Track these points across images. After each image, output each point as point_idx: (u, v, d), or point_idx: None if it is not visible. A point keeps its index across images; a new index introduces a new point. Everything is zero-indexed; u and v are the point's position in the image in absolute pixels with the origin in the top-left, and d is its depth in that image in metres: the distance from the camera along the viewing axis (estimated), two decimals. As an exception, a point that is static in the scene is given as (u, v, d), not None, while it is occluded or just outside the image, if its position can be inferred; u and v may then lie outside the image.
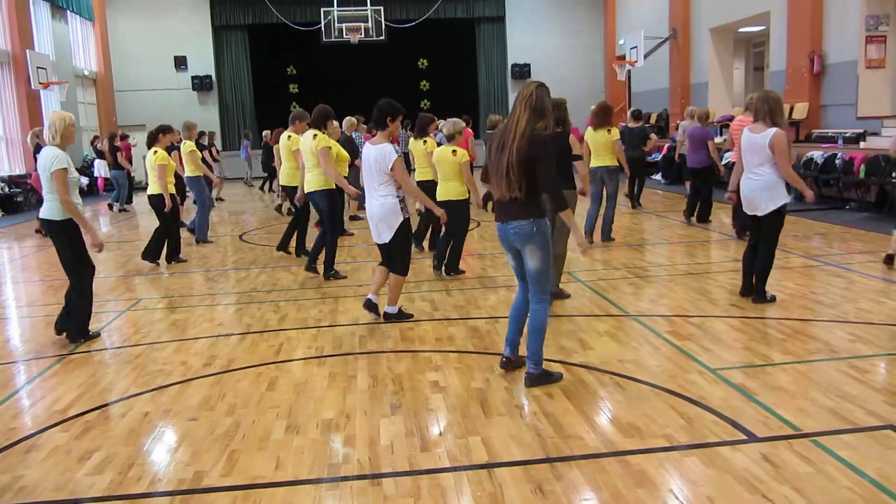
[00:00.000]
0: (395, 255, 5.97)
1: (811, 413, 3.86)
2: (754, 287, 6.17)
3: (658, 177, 17.67)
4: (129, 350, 5.66)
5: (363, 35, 21.70)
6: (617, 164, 9.33)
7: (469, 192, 7.61)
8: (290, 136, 9.02)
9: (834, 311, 5.84)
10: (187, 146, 10.38)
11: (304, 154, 7.70)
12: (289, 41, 23.89)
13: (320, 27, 21.94)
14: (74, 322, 5.86)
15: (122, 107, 23.58)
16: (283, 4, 23.18)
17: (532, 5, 24.77)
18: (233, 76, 24.59)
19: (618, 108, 21.96)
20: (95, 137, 19.98)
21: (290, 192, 9.27)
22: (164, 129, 9.43)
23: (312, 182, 7.70)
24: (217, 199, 17.13)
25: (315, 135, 7.54)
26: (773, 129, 5.77)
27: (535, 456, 3.52)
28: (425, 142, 8.63)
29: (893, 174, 10.75)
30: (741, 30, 18.69)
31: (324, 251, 7.89)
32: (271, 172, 18.89)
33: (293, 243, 9.31)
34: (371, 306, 6.16)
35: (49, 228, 5.74)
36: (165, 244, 9.23)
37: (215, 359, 5.32)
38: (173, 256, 9.32)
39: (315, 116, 7.67)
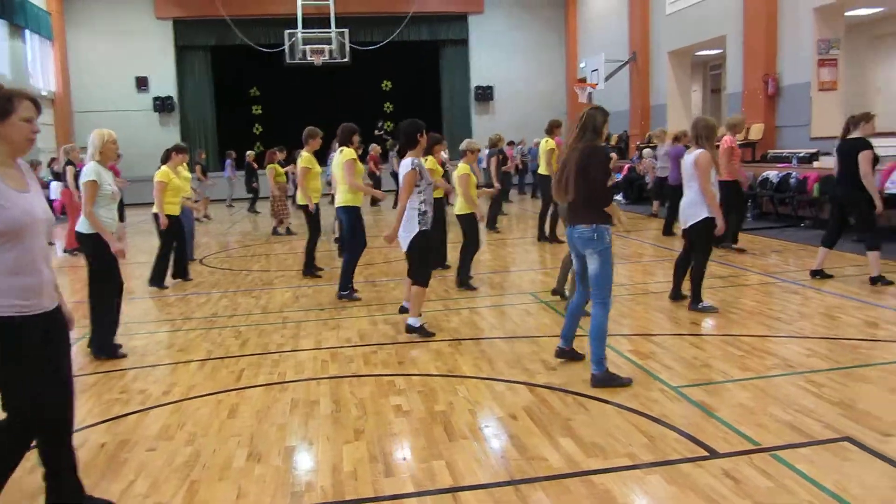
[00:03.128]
0: (412, 266, 6.25)
1: (770, 428, 3.91)
2: (689, 295, 6.64)
3: (619, 197, 17.90)
4: (83, 379, 5.52)
5: (327, 57, 21.71)
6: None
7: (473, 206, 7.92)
8: (301, 156, 9.12)
9: (790, 326, 5.95)
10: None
11: (334, 171, 8.00)
12: (252, 62, 23.81)
13: (284, 49, 21.92)
14: (91, 338, 5.95)
15: (80, 128, 23.19)
16: (246, 26, 23.12)
17: (495, 28, 25.06)
18: (195, 97, 24.41)
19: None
20: (53, 159, 19.63)
21: (305, 211, 9.20)
22: (179, 149, 9.27)
23: (339, 198, 7.86)
24: (204, 217, 17.12)
25: (342, 150, 7.79)
26: (700, 150, 6.35)
27: (500, 479, 3.51)
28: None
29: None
30: (698, 53, 19.13)
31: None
32: (255, 193, 18.99)
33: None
34: (405, 310, 6.55)
35: (78, 241, 5.97)
36: (170, 265, 9.13)
37: (174, 386, 5.23)
38: (180, 275, 9.26)
39: (343, 133, 7.89)
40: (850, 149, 7.25)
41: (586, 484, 3.40)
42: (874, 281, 7.32)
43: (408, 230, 6.08)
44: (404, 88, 25.83)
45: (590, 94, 20.52)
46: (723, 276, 8.07)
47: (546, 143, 11.59)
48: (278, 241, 13.44)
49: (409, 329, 6.27)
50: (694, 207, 6.44)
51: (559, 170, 4.94)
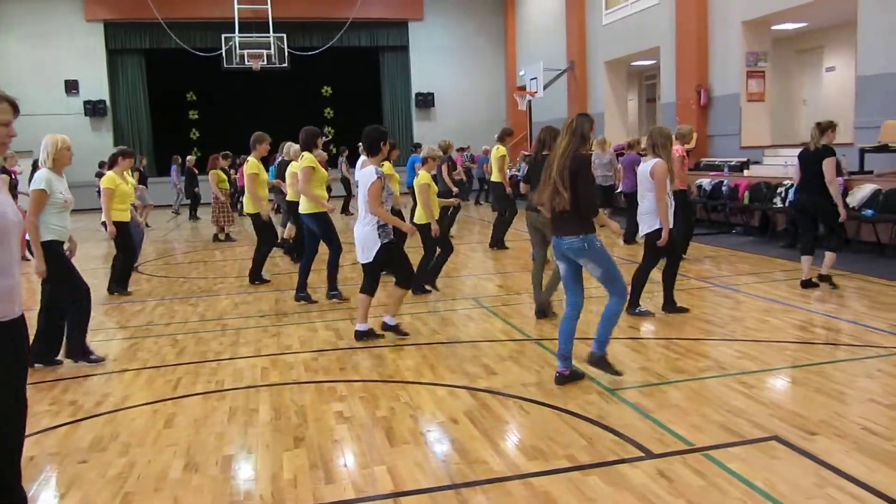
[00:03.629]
0: (393, 269, 6.33)
1: (703, 428, 4.02)
2: (631, 298, 6.65)
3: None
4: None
5: (266, 62, 21.49)
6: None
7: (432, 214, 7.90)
8: (248, 161, 8.85)
9: (723, 329, 6.14)
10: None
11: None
12: (188, 67, 23.36)
13: (221, 53, 21.59)
14: (40, 343, 5.77)
15: (7, 133, 22.38)
16: (182, 29, 22.68)
17: (435, 36, 25.18)
18: (129, 101, 23.82)
19: (519, 137, 22.55)
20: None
21: (255, 219, 8.99)
22: (125, 154, 8.65)
23: (304, 206, 7.72)
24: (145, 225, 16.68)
25: (303, 155, 7.69)
26: (657, 160, 6.37)
27: (441, 483, 3.52)
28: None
29: (774, 200, 11.43)
30: (634, 63, 19.59)
31: (304, 273, 8.00)
32: (194, 199, 18.66)
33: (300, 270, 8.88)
34: (361, 335, 6.25)
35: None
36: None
37: (108, 396, 5.09)
38: (119, 286, 8.85)
39: (306, 137, 7.73)
40: (815, 157, 7.39)
41: (526, 486, 3.44)
42: (823, 278, 7.61)
43: (369, 246, 6.00)
44: (345, 94, 25.73)
45: (529, 101, 20.82)
46: (660, 282, 8.25)
47: (497, 151, 11.72)
48: (218, 248, 13.21)
49: (385, 327, 6.31)
50: (649, 215, 6.49)
51: (543, 178, 4.86)
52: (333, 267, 7.90)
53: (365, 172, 5.98)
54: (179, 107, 24.89)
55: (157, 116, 24.38)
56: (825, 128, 7.51)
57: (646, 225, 6.57)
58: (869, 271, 8.33)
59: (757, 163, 13.49)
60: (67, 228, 5.76)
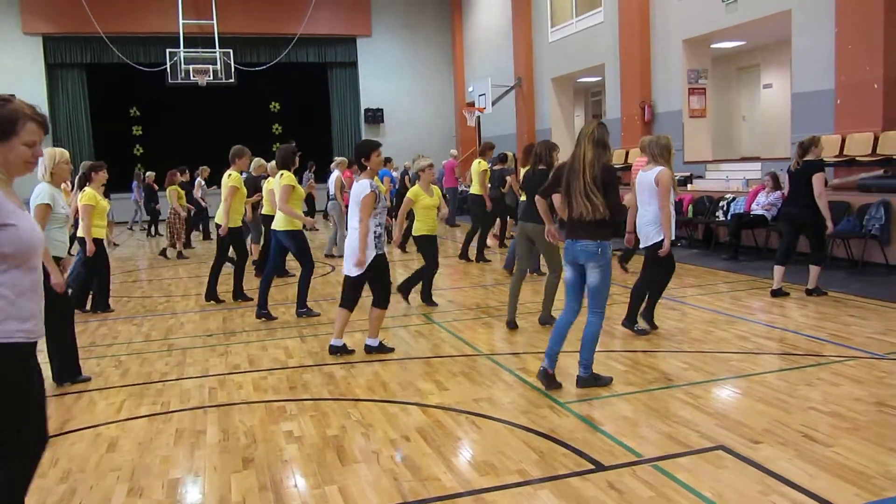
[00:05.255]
0: (373, 290, 6.19)
1: (651, 439, 4.09)
2: (627, 313, 6.66)
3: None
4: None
5: (211, 77, 21.23)
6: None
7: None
8: (230, 174, 8.66)
9: (669, 341, 6.25)
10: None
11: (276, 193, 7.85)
12: (132, 82, 22.91)
13: (166, 68, 21.25)
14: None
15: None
16: (125, 44, 22.25)
17: (383, 52, 25.22)
18: (69, 117, 23.22)
19: (468, 153, 22.71)
20: None
21: (234, 233, 8.79)
22: (98, 167, 8.06)
23: (280, 222, 7.74)
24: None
25: (282, 174, 7.75)
26: (660, 168, 6.32)
27: (393, 501, 3.50)
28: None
29: (717, 213, 11.72)
30: (580, 80, 19.92)
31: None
32: (154, 215, 18.35)
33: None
34: (335, 350, 6.23)
35: None
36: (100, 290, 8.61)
37: (48, 420, 4.91)
38: (99, 305, 8.61)
39: (284, 156, 7.87)
40: (804, 172, 7.53)
41: (478, 502, 3.44)
42: (810, 293, 7.83)
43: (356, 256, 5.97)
44: (293, 110, 25.55)
45: (478, 117, 20.99)
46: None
47: (479, 165, 12.08)
48: (165, 266, 12.93)
49: (368, 349, 6.25)
50: (653, 227, 6.37)
51: (564, 185, 5.00)
52: (305, 285, 7.89)
53: (359, 185, 5.96)
54: (123, 123, 24.37)
55: (100, 132, 23.81)
56: (808, 145, 7.65)
57: (648, 237, 6.43)
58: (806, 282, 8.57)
59: (700, 177, 13.84)
60: (67, 244, 5.64)
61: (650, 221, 6.39)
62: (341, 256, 13.00)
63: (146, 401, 5.27)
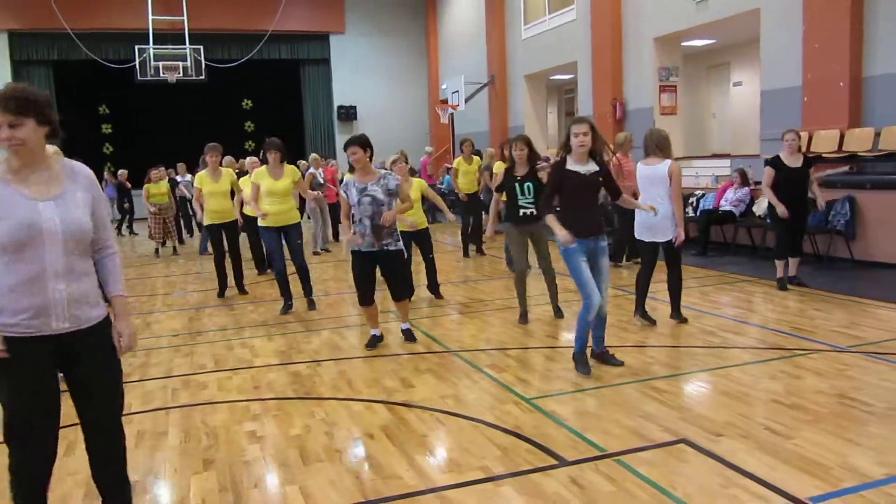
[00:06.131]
0: (398, 280, 6.33)
1: (615, 434, 4.09)
2: (672, 307, 6.73)
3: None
4: None
5: (182, 74, 20.96)
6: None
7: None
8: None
9: (636, 336, 6.27)
10: None
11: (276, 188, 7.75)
12: (100, 79, 22.56)
13: (135, 65, 20.96)
14: None
15: None
16: (92, 40, 21.88)
17: (357, 49, 25.08)
18: (36, 115, 22.80)
19: (442, 150, 22.68)
20: None
21: (213, 230, 8.88)
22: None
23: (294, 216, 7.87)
24: None
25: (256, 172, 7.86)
26: (669, 161, 6.33)
27: (354, 500, 3.47)
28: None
29: (686, 210, 11.80)
30: (553, 77, 19.95)
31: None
32: (127, 214, 18.46)
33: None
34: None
35: None
36: None
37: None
38: None
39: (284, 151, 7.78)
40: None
41: (440, 499, 3.42)
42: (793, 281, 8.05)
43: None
44: (265, 107, 25.31)
45: (451, 114, 20.95)
46: (575, 290, 8.37)
47: (475, 163, 12.28)
48: (131, 266, 12.75)
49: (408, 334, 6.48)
50: (672, 218, 6.33)
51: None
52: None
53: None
54: (92, 121, 24.01)
55: (68, 130, 23.24)
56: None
57: (665, 231, 6.39)
58: (773, 276, 8.63)
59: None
60: None
61: (666, 214, 6.30)
62: (326, 251, 13.05)
63: (107, 402, 5.17)
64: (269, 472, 3.85)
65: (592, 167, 5.22)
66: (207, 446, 4.25)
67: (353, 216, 6.05)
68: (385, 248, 6.07)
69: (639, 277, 6.76)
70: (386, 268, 6.20)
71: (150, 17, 20.93)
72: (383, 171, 6.12)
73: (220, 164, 9.06)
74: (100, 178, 19.66)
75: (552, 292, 7.17)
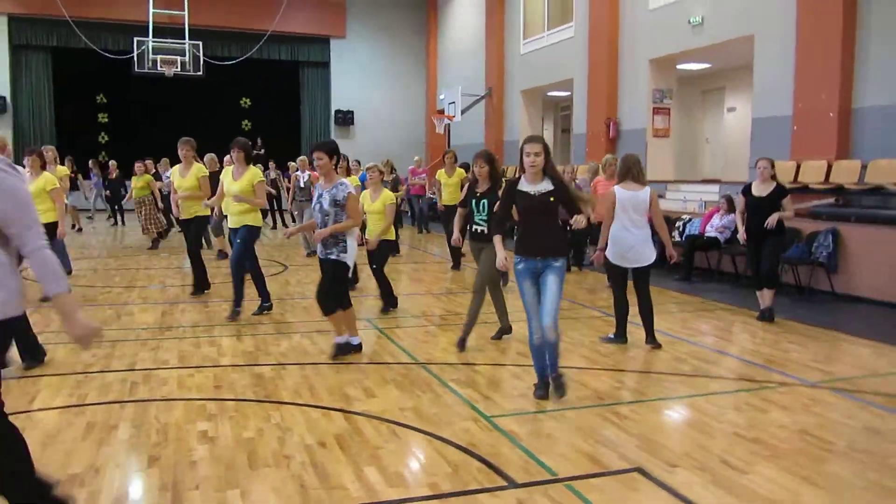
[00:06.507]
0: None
1: (570, 458, 4.02)
2: (646, 333, 6.66)
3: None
4: None
5: (179, 69, 20.92)
6: None
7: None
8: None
9: (607, 359, 6.21)
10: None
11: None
12: (99, 68, 22.52)
13: (133, 57, 20.91)
14: None
15: None
16: (91, 29, 21.84)
17: (357, 54, 25.09)
18: (32, 100, 22.73)
19: (437, 160, 22.63)
20: None
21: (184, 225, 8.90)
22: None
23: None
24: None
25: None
26: (648, 187, 6.54)
27: (295, 509, 3.39)
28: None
29: (672, 234, 11.77)
30: (550, 94, 19.98)
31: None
32: (117, 204, 18.69)
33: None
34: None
35: None
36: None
37: (-46, 409, 4.72)
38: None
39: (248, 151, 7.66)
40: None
41: (383, 514, 3.35)
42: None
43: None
44: (263, 107, 25.31)
45: (447, 125, 20.94)
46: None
47: (459, 174, 12.14)
48: (114, 256, 12.65)
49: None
50: (651, 244, 6.58)
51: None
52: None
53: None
54: (88, 109, 23.94)
55: (63, 117, 23.34)
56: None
57: (646, 258, 6.59)
58: (756, 307, 8.55)
59: (661, 197, 13.88)
60: None
61: (645, 241, 6.51)
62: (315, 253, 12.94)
63: (62, 392, 5.10)
64: (214, 474, 3.76)
65: (545, 187, 5.00)
66: (156, 443, 4.17)
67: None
68: (327, 256, 6.01)
69: (618, 302, 6.76)
70: (323, 275, 6.13)
71: (151, 9, 20.91)
72: (340, 181, 6.00)
73: (197, 160, 8.88)
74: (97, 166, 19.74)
75: (471, 312, 6.67)
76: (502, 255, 5.05)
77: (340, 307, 6.09)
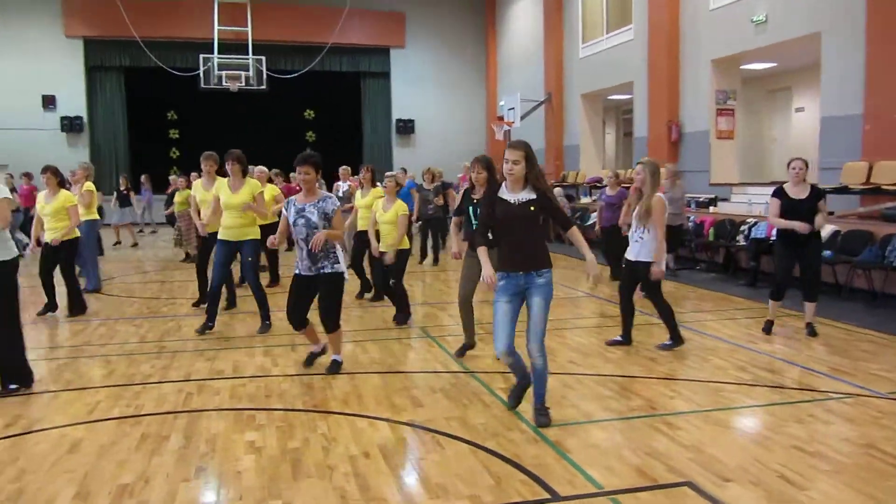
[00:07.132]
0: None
1: (616, 470, 3.90)
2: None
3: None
4: (-78, 409, 5.15)
5: (244, 83, 21.45)
6: None
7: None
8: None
9: (663, 368, 6.03)
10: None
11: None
12: (169, 86, 23.28)
13: (199, 73, 21.54)
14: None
15: (-16, 145, 22.18)
16: (160, 48, 22.60)
17: (417, 64, 25.25)
18: (107, 118, 23.64)
19: (500, 166, 22.54)
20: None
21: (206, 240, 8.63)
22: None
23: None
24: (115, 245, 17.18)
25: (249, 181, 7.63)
26: (655, 195, 6.49)
27: (335, 520, 3.38)
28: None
29: (738, 238, 11.42)
30: (610, 97, 19.70)
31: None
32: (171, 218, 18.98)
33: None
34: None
35: None
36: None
37: (19, 419, 4.91)
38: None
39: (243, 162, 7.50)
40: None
41: (422, 527, 3.31)
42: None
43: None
44: (326, 118, 25.72)
45: (507, 131, 20.85)
46: (612, 316, 8.15)
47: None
48: (179, 269, 13.01)
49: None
50: (647, 249, 6.59)
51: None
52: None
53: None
54: (160, 126, 24.77)
55: (136, 134, 24.22)
56: None
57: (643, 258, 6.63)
58: (824, 313, 8.18)
59: (725, 200, 13.51)
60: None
61: (644, 245, 6.65)
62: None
63: (121, 403, 5.23)
64: (257, 484, 3.80)
65: (527, 195, 4.62)
66: (204, 453, 4.24)
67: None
68: (321, 270, 5.84)
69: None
70: (321, 291, 5.91)
71: (216, 27, 21.50)
72: (324, 194, 5.86)
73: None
74: (166, 182, 20.35)
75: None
76: (489, 269, 4.62)
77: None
